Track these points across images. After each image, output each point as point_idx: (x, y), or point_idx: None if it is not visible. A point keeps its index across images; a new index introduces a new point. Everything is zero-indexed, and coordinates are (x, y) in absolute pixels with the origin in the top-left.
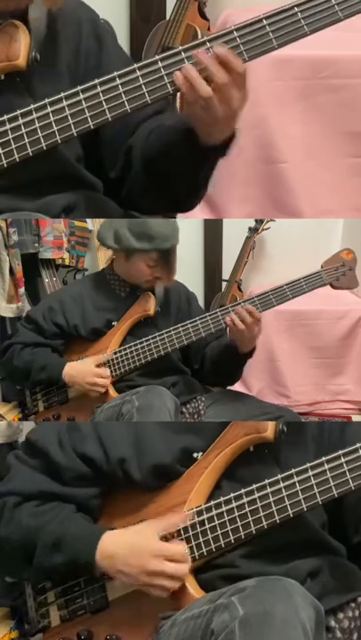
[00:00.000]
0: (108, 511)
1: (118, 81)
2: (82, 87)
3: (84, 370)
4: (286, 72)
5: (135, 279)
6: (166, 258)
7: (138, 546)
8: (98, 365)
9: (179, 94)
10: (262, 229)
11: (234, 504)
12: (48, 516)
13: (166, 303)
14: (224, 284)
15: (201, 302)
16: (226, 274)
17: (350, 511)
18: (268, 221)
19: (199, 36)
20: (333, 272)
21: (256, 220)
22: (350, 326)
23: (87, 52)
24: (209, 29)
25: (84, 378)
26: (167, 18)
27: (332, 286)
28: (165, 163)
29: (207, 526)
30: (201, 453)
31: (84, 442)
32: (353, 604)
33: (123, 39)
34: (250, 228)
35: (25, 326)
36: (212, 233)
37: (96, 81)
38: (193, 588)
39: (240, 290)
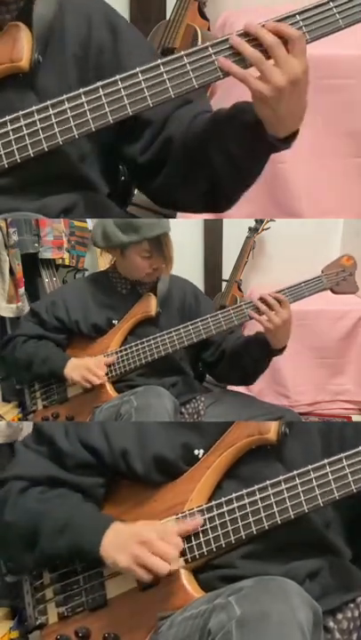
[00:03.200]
0: (110, 509)
1: (120, 84)
2: (84, 90)
3: (82, 363)
4: None
5: (136, 275)
6: (159, 246)
7: (133, 532)
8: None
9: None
10: (262, 229)
11: (235, 504)
12: (55, 501)
13: (169, 301)
14: (224, 284)
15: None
16: (226, 274)
17: None
18: (268, 221)
19: (199, 36)
20: (334, 277)
21: (256, 220)
22: (350, 326)
23: (99, 44)
24: (209, 29)
25: (81, 371)
26: (167, 18)
27: (333, 291)
28: (214, 154)
29: (208, 526)
30: (202, 451)
31: (89, 433)
32: (352, 605)
33: None
34: (250, 228)
35: (28, 319)
36: (212, 233)
37: (98, 84)
38: (192, 588)
39: (240, 290)
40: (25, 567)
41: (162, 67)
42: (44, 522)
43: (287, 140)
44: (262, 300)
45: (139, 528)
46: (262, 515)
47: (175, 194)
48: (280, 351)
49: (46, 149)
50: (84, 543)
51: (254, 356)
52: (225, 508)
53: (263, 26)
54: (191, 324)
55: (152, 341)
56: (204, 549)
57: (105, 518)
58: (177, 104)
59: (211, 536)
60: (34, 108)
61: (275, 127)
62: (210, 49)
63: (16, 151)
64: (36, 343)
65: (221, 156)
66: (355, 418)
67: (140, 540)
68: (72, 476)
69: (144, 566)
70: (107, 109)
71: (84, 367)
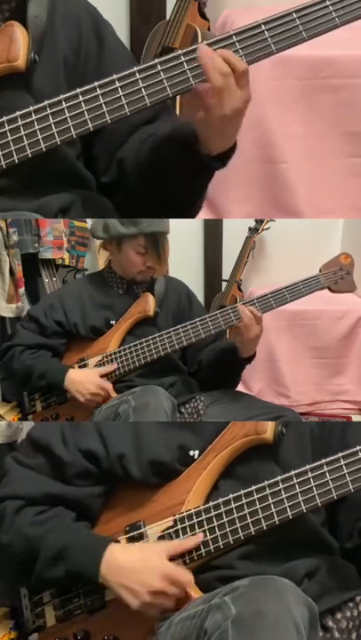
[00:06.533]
0: (106, 511)
1: (118, 84)
2: (81, 90)
3: (87, 378)
4: (286, 72)
5: (129, 271)
6: (155, 244)
7: (146, 564)
8: (102, 376)
9: (179, 97)
10: (262, 229)
11: (233, 505)
12: (49, 525)
13: (166, 302)
14: (224, 284)
15: (201, 302)
16: (226, 274)
17: (345, 515)
18: (268, 221)
19: (199, 36)
20: (332, 276)
21: (256, 220)
22: (350, 326)
23: (87, 51)
24: (209, 29)
25: (87, 387)
26: (167, 18)
27: (331, 290)
28: (162, 174)
29: (206, 527)
30: (198, 452)
31: (86, 438)
32: (351, 604)
33: (123, 39)
34: (250, 228)
35: (25, 327)
36: (212, 233)
37: (95, 84)
38: (191, 589)
39: (240, 290)
40: (20, 586)
41: (159, 66)
42: (39, 547)
43: (221, 158)
44: (243, 311)
45: (144, 573)
46: (260, 515)
47: (134, 209)
48: (249, 360)
49: (44, 150)
50: (83, 569)
51: (227, 366)
52: (223, 509)
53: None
54: (190, 324)
55: (150, 342)
56: (203, 551)
57: (99, 541)
58: (137, 123)
59: (209, 537)
60: (31, 108)
61: (209, 146)
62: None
63: (14, 152)
64: (33, 354)
65: (167, 175)
66: (355, 418)
67: (153, 591)
68: (69, 488)
69: (157, 608)
70: (104, 109)
71: (87, 391)
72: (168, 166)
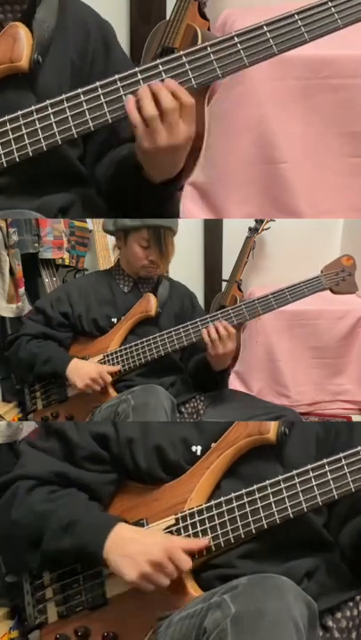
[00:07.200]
0: (110, 508)
1: (119, 84)
2: (83, 89)
3: (88, 366)
4: (286, 72)
5: (133, 265)
6: (158, 238)
7: (150, 538)
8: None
9: None
10: (262, 229)
11: (235, 504)
12: (62, 501)
13: (169, 303)
14: (224, 284)
15: (201, 302)
16: (226, 274)
17: (334, 520)
18: (268, 221)
19: (199, 36)
20: (333, 277)
21: (256, 220)
22: (350, 326)
23: (94, 55)
24: (209, 29)
25: (87, 371)
26: (167, 18)
27: (332, 291)
28: (120, 188)
29: (207, 525)
30: (200, 447)
31: (98, 424)
32: (351, 604)
33: (123, 39)
34: (250, 228)
35: (31, 318)
36: (212, 233)
37: (97, 83)
38: (191, 588)
39: (240, 290)
40: (28, 567)
41: (160, 66)
42: (48, 521)
43: (168, 184)
44: (215, 328)
45: (147, 544)
46: (262, 514)
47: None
48: (222, 373)
49: (45, 149)
50: (89, 542)
51: (205, 377)
52: (224, 508)
53: (163, 81)
54: (190, 324)
55: (151, 341)
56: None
57: (109, 518)
58: (120, 140)
59: (210, 536)
60: (32, 107)
61: (149, 173)
62: (208, 48)
63: (15, 150)
64: (39, 343)
65: (125, 190)
66: (355, 418)
67: (152, 561)
68: (81, 471)
69: (151, 582)
70: (105, 109)
71: (87, 375)
72: (124, 183)
